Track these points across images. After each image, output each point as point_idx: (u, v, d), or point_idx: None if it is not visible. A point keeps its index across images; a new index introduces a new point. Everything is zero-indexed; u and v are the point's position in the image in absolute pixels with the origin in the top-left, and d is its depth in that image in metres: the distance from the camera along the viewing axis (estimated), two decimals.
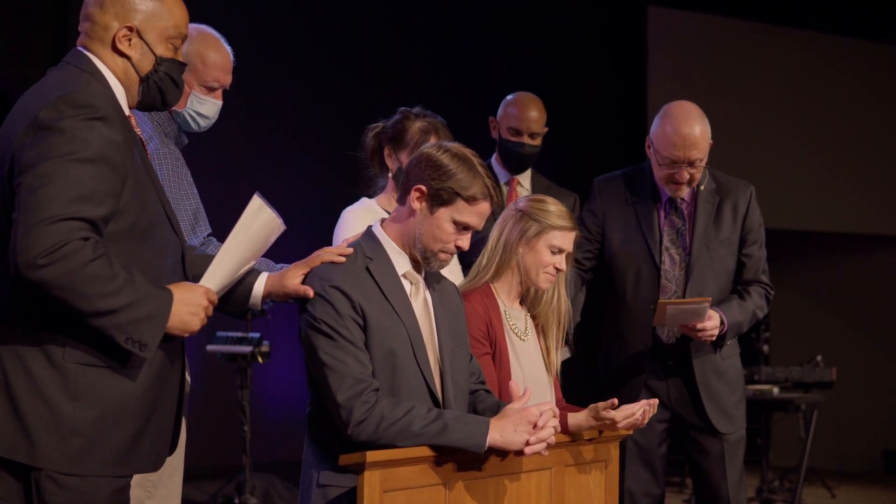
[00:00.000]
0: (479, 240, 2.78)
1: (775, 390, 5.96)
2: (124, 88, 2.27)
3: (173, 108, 2.93)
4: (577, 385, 3.67)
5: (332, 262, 2.49)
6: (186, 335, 2.22)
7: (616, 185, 3.71)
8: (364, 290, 2.45)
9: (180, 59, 2.35)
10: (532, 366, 2.91)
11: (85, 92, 2.13)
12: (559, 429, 2.46)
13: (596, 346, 3.75)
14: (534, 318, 2.98)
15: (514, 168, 4.04)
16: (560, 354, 3.00)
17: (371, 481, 2.24)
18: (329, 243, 2.98)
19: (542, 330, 2.97)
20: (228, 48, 3.05)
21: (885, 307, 8.81)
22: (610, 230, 3.67)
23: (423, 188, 2.50)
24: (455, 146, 2.56)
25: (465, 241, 2.54)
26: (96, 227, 2.07)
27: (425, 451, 2.33)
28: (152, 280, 2.16)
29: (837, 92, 8.47)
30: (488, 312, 2.84)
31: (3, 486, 2.15)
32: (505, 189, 4.01)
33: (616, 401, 2.70)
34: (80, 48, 2.27)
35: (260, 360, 5.57)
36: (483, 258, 2.93)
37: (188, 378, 2.58)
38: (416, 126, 3.14)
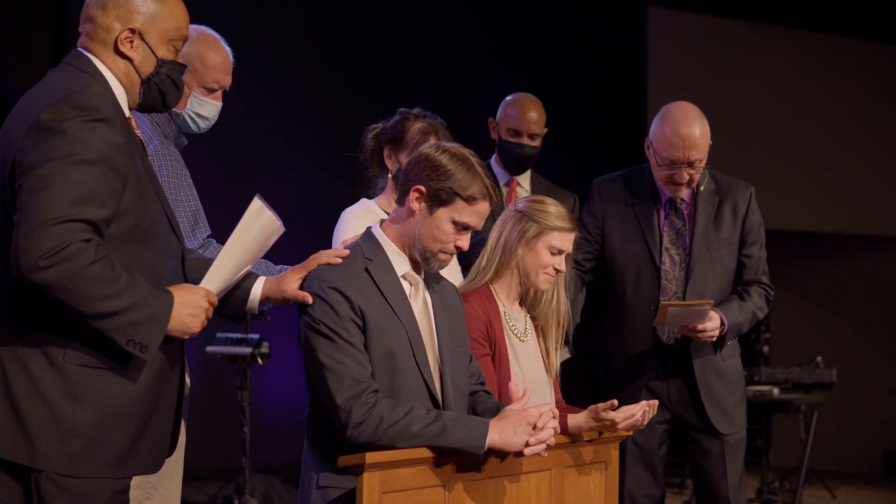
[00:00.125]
0: (478, 241, 2.78)
1: (775, 391, 5.97)
2: (125, 90, 2.27)
3: (173, 109, 2.93)
4: (576, 386, 3.67)
5: (330, 264, 2.48)
6: (187, 337, 2.23)
7: (615, 187, 3.71)
8: (363, 291, 2.44)
9: (180, 60, 2.35)
10: (532, 367, 2.90)
11: (86, 93, 2.13)
12: (559, 430, 2.46)
13: (596, 347, 3.75)
14: (533, 319, 2.98)
15: (514, 169, 4.03)
16: (560, 355, 3.00)
17: (370, 482, 2.24)
18: (328, 244, 2.98)
19: (541, 331, 2.97)
20: (228, 49, 3.05)
21: (886, 308, 8.81)
22: (610, 231, 3.67)
23: (423, 188, 2.50)
24: (454, 146, 2.56)
25: (464, 242, 2.54)
26: (98, 229, 2.07)
27: (424, 453, 2.33)
28: (153, 282, 2.16)
29: (837, 93, 8.47)
30: (488, 313, 2.83)
31: (3, 488, 2.15)
32: (504, 190, 4.01)
33: (616, 402, 2.69)
34: (80, 49, 2.27)
35: (260, 361, 5.56)
36: (482, 259, 2.93)
37: (188, 380, 2.57)
38: (416, 127, 3.14)
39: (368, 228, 2.61)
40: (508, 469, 2.49)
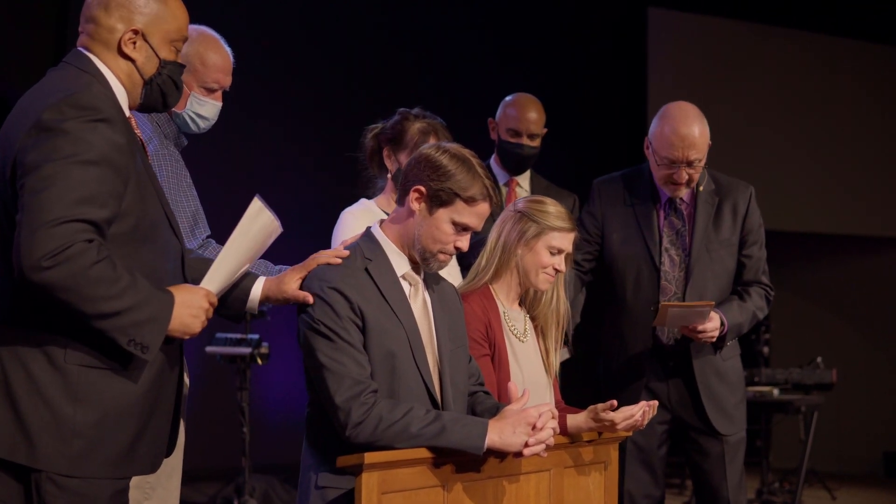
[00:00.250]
0: (477, 241, 2.78)
1: (775, 392, 5.96)
2: (126, 91, 2.27)
3: (173, 109, 2.93)
4: (576, 386, 3.66)
5: (329, 264, 2.48)
6: (187, 337, 2.22)
7: (615, 187, 3.71)
8: (363, 291, 2.44)
9: (179, 60, 2.35)
10: (531, 367, 2.90)
11: (88, 94, 2.13)
12: (558, 430, 2.46)
13: (596, 347, 3.75)
14: (533, 319, 2.98)
15: (513, 169, 4.03)
16: (559, 356, 3.00)
17: (369, 483, 2.24)
18: (328, 244, 2.98)
19: (541, 331, 2.97)
20: (228, 49, 3.04)
21: (886, 309, 8.81)
22: (609, 232, 3.67)
23: (423, 189, 2.50)
24: (454, 147, 2.55)
25: (464, 242, 2.54)
26: (100, 230, 2.07)
27: (423, 453, 2.33)
28: (153, 282, 2.16)
29: (837, 93, 8.47)
30: (487, 314, 2.83)
31: (3, 488, 2.15)
32: (504, 190, 4.01)
33: (615, 402, 2.69)
34: (80, 49, 2.27)
35: (259, 361, 5.56)
36: (482, 259, 2.93)
37: (186, 380, 2.57)
38: (416, 127, 3.14)
39: (368, 228, 2.61)
40: (508, 469, 2.49)
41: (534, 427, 2.36)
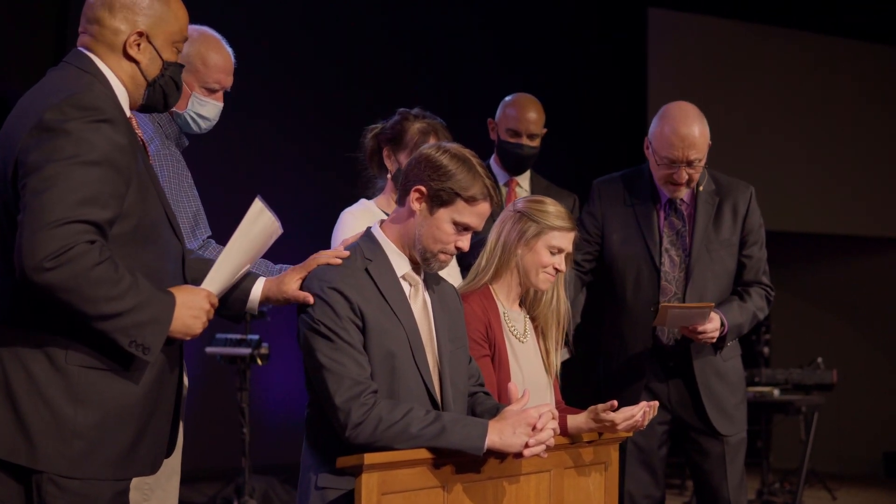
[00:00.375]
0: (477, 241, 2.77)
1: (776, 392, 5.96)
2: (128, 91, 2.27)
3: (174, 109, 2.93)
4: (576, 387, 3.66)
5: (329, 264, 2.48)
6: (188, 338, 2.22)
7: (615, 187, 3.71)
8: (363, 291, 2.44)
9: (179, 60, 2.35)
10: (531, 368, 2.90)
11: (89, 94, 2.12)
12: (558, 431, 2.45)
13: (596, 347, 3.74)
14: (533, 319, 2.97)
15: (513, 169, 4.03)
16: (559, 356, 3.00)
17: (369, 484, 2.24)
18: (328, 244, 2.97)
19: (541, 332, 2.97)
20: (230, 50, 3.04)
21: (886, 309, 8.80)
22: (609, 232, 3.67)
23: (423, 189, 2.49)
24: (454, 146, 2.55)
25: (464, 242, 2.53)
26: (101, 230, 2.07)
27: (423, 454, 2.33)
28: (154, 283, 2.16)
29: (837, 94, 8.47)
30: (487, 314, 2.83)
31: (3, 489, 2.14)
32: (504, 190, 4.00)
33: (616, 403, 2.69)
34: (81, 49, 2.26)
35: (259, 362, 5.56)
36: (482, 260, 2.92)
37: (185, 381, 2.57)
38: (416, 127, 3.14)
39: (368, 229, 2.60)
40: (508, 470, 2.49)
41: (534, 428, 2.36)
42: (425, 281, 2.60)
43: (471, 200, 2.49)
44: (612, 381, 3.63)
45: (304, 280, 2.47)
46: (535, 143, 4.00)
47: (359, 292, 2.43)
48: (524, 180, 4.07)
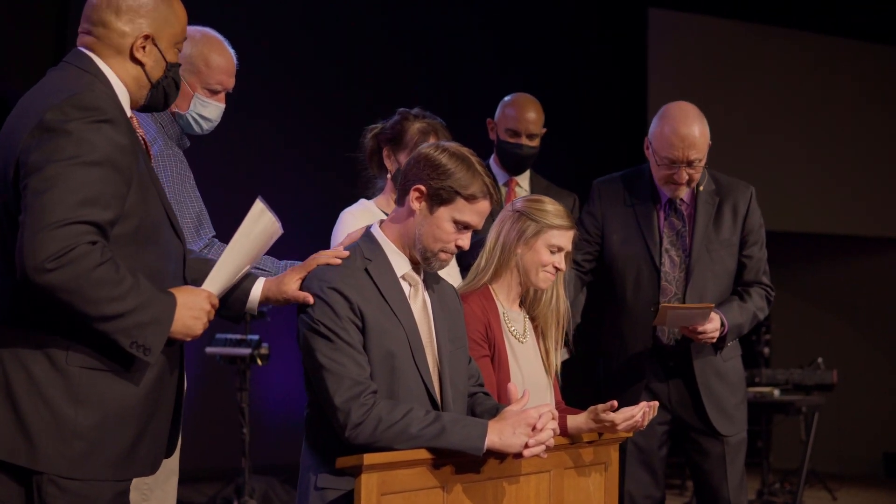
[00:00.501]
0: (476, 241, 2.77)
1: (776, 392, 5.96)
2: (129, 92, 2.27)
3: (177, 110, 2.93)
4: (576, 387, 3.66)
5: (329, 264, 2.48)
6: (189, 339, 2.22)
7: (615, 187, 3.70)
8: (363, 291, 2.44)
9: (178, 60, 2.35)
10: (531, 368, 2.90)
11: (90, 94, 2.12)
12: (558, 431, 2.45)
13: (596, 347, 3.74)
14: (533, 319, 2.97)
15: (513, 169, 4.03)
16: (559, 356, 2.99)
17: (368, 484, 2.23)
18: (328, 244, 2.97)
19: (541, 332, 2.96)
20: (232, 51, 3.03)
21: (886, 309, 8.80)
22: (609, 232, 3.67)
23: (423, 188, 2.49)
24: (453, 145, 2.55)
25: (465, 241, 2.53)
26: (103, 231, 2.07)
27: (423, 454, 2.32)
28: (155, 284, 2.15)
29: (838, 94, 8.47)
30: (487, 314, 2.83)
31: (4, 490, 2.14)
32: (503, 190, 4.00)
33: (616, 403, 2.68)
34: (81, 49, 2.26)
35: (259, 362, 5.56)
36: (481, 260, 2.92)
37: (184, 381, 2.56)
38: (415, 127, 3.13)
39: (368, 229, 2.60)
40: (507, 470, 2.49)
41: (534, 428, 2.36)
42: (425, 281, 2.59)
43: (470, 198, 2.49)
44: (612, 382, 3.63)
45: (303, 280, 2.47)
46: (535, 142, 4.00)
47: (358, 292, 2.42)
48: (524, 180, 4.07)
